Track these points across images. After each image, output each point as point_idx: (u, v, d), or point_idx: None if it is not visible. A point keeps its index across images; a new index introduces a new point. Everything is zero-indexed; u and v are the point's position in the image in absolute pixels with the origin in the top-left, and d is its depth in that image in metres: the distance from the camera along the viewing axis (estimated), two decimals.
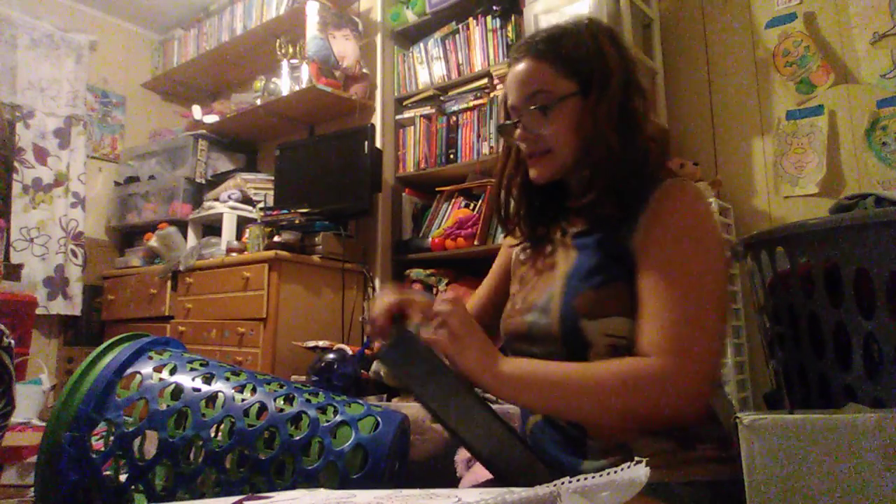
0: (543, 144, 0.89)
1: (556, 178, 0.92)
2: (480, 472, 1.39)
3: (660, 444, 0.78)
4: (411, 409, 1.68)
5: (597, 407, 0.76)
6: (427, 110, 2.74)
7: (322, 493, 0.61)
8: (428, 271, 2.55)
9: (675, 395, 0.74)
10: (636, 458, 0.46)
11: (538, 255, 0.97)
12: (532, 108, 0.88)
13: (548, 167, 0.91)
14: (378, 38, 2.95)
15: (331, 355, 2.11)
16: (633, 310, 0.80)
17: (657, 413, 0.75)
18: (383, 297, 0.86)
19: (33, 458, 1.35)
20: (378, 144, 2.74)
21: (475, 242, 2.41)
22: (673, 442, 0.78)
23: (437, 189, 2.68)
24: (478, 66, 2.61)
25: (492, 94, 2.51)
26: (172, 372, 0.84)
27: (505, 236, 1.10)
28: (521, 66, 0.90)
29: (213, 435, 0.78)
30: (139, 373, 0.82)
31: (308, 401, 0.83)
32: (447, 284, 2.49)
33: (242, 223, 2.99)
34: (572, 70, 0.87)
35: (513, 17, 2.52)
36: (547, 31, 0.91)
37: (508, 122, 0.94)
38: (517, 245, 1.04)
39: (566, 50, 0.88)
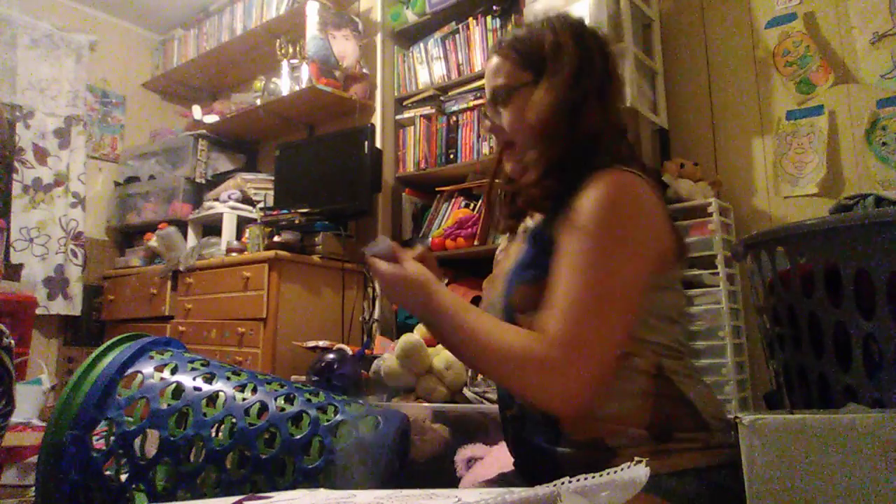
0: (505, 136, 0.94)
1: (523, 173, 0.93)
2: (480, 472, 1.39)
3: (635, 438, 0.77)
4: (411, 409, 1.68)
5: (487, 369, 0.82)
6: (427, 110, 2.74)
7: (322, 493, 0.61)
8: None
9: (555, 387, 0.74)
10: (636, 459, 0.46)
11: (507, 254, 1.00)
12: (493, 99, 0.94)
13: (514, 161, 0.95)
14: (378, 38, 2.95)
15: (331, 355, 2.11)
16: None
17: (531, 398, 0.77)
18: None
19: (33, 458, 1.35)
20: (378, 144, 2.74)
21: (475, 242, 2.41)
22: (648, 434, 0.77)
23: (437, 189, 2.68)
24: (478, 66, 2.61)
25: None
26: (173, 371, 0.84)
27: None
28: (490, 64, 0.96)
29: (213, 434, 0.78)
30: (140, 372, 0.82)
31: (308, 400, 0.83)
32: (447, 284, 2.49)
33: (242, 223, 2.99)
34: (528, 62, 0.91)
35: (513, 17, 2.52)
36: (515, 30, 0.97)
37: (485, 117, 0.99)
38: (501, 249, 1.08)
39: (525, 44, 0.92)
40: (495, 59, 0.95)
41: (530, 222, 0.96)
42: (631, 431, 0.78)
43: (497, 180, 1.04)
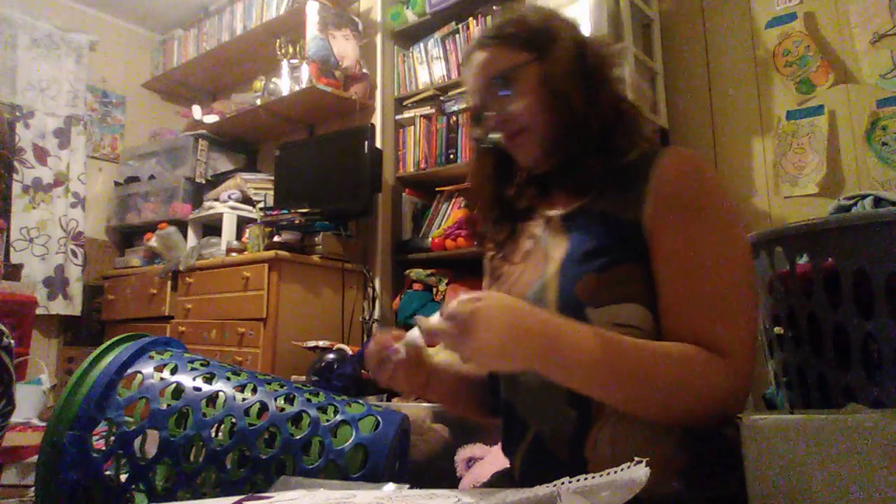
0: (517, 123, 0.87)
1: (545, 157, 0.88)
2: (480, 472, 1.40)
3: (669, 487, 0.71)
4: (411, 409, 1.68)
5: (664, 383, 0.67)
6: (427, 110, 2.74)
7: (322, 493, 0.61)
8: (428, 271, 2.55)
9: (727, 394, 0.68)
10: (636, 459, 0.46)
11: (514, 251, 0.92)
12: (494, 86, 0.87)
13: (529, 146, 0.87)
14: (378, 38, 2.95)
15: (331, 355, 2.11)
16: (646, 295, 0.74)
17: (711, 409, 0.68)
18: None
19: (33, 458, 1.35)
20: (378, 144, 2.74)
21: (475, 242, 2.41)
22: (683, 483, 0.72)
23: (437, 189, 2.68)
24: None
25: None
26: (173, 371, 0.84)
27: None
28: (474, 62, 0.90)
29: (213, 434, 0.78)
30: (140, 372, 0.82)
31: (308, 400, 0.83)
32: (447, 284, 2.49)
33: (242, 223, 2.99)
34: (523, 43, 0.87)
35: None
36: (490, 25, 0.92)
37: (478, 119, 0.92)
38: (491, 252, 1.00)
39: (512, 29, 0.88)
40: (481, 55, 0.89)
41: (556, 211, 0.88)
42: (665, 481, 0.71)
43: (482, 197, 0.96)
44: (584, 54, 0.85)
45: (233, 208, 3.04)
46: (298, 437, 0.78)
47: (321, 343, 2.26)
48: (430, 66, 2.80)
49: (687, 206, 0.74)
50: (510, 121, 0.87)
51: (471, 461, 1.47)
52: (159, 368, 0.84)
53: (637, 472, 0.43)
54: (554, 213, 0.88)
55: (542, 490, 0.43)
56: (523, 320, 0.65)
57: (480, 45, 0.90)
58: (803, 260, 0.99)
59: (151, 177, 3.45)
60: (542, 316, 0.68)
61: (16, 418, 1.52)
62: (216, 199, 3.13)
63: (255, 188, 3.15)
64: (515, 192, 0.96)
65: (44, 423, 1.50)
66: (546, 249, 0.85)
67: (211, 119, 3.39)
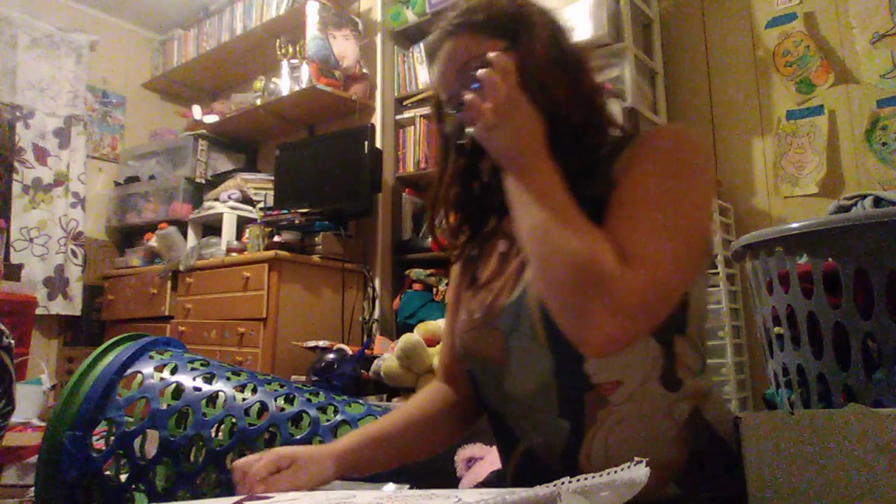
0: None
1: None
2: (480, 472, 1.39)
3: (665, 491, 0.70)
4: None
5: (569, 241, 0.65)
6: (427, 110, 2.74)
7: (322, 493, 0.61)
8: (428, 271, 2.55)
9: (621, 294, 0.62)
10: (636, 459, 0.46)
11: (490, 253, 0.87)
12: (468, 76, 0.78)
13: None
14: (378, 38, 2.95)
15: (331, 355, 2.11)
16: None
17: (596, 301, 0.63)
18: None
19: (33, 458, 1.35)
20: (378, 144, 2.74)
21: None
22: (681, 486, 0.71)
23: None
24: None
25: None
26: (173, 372, 0.84)
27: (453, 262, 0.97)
28: (443, 51, 0.83)
29: (213, 434, 0.78)
30: (140, 372, 0.82)
31: (308, 400, 0.83)
32: (447, 284, 2.49)
33: (242, 223, 2.99)
34: (495, 29, 0.80)
35: None
36: (456, 11, 0.84)
37: (443, 115, 0.84)
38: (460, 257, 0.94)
39: (481, 15, 0.82)
40: (451, 42, 0.82)
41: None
42: (662, 489, 0.69)
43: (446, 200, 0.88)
44: (560, 42, 0.81)
45: (233, 208, 3.04)
46: (298, 436, 0.78)
47: (321, 343, 2.26)
48: None
49: (652, 165, 0.71)
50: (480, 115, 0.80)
51: (471, 461, 1.47)
52: (159, 368, 0.84)
53: (637, 472, 0.44)
54: None
55: (542, 490, 0.43)
56: (523, 121, 0.72)
57: (448, 33, 0.83)
58: (803, 260, 0.99)
59: (151, 177, 3.45)
60: (535, 131, 0.72)
61: (16, 418, 1.52)
62: (216, 199, 3.13)
63: (255, 188, 3.15)
64: (484, 190, 0.89)
65: (44, 423, 1.50)
66: (523, 252, 0.80)
67: (211, 119, 3.39)
